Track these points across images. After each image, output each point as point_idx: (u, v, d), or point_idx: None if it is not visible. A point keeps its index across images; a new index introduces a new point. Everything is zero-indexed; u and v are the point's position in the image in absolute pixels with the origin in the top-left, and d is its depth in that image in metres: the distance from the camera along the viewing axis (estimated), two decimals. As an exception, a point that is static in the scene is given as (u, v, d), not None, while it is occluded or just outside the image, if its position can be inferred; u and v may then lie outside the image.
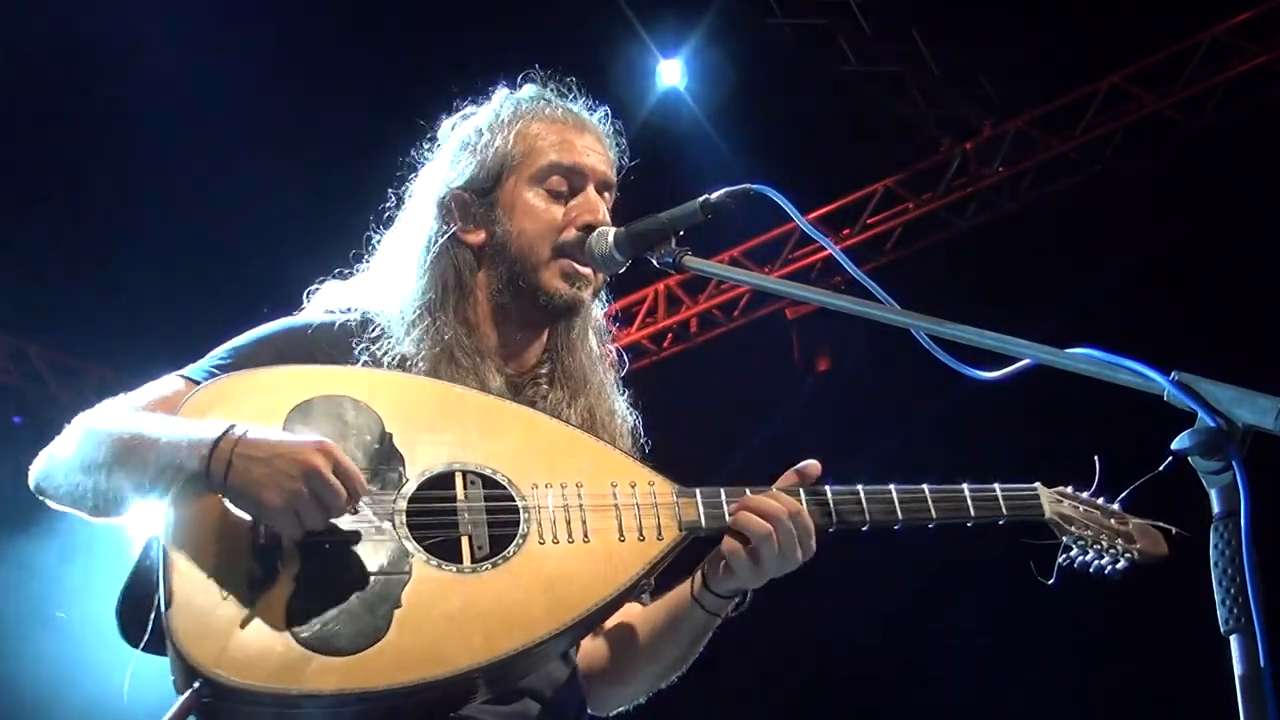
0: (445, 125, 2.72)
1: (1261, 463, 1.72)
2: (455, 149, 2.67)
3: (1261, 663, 1.62)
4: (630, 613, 2.55)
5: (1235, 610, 1.63)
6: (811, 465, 2.46)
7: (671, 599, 2.51)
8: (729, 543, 2.39)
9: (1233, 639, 1.64)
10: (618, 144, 2.72)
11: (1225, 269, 7.36)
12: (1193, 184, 7.58)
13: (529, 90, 2.70)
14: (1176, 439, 1.73)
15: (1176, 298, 7.41)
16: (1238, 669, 1.63)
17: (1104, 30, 7.42)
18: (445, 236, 2.60)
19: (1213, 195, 7.41)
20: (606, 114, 2.73)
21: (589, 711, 2.58)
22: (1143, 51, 7.58)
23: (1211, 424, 1.71)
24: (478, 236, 2.60)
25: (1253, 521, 1.65)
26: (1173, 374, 1.78)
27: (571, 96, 2.72)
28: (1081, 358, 1.91)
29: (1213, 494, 1.70)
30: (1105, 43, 7.53)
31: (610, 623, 2.52)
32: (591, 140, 2.65)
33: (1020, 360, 2.05)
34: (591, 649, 2.57)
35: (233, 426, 2.14)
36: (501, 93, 2.71)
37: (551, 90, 2.71)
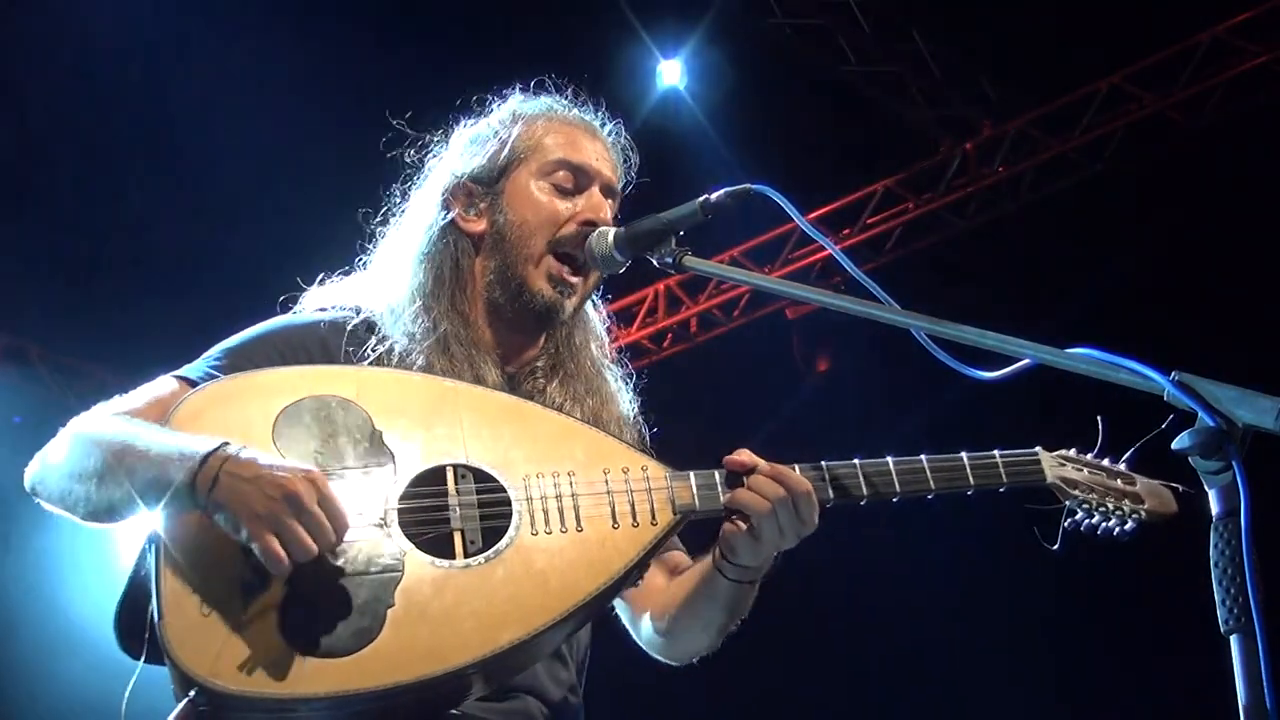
0: (458, 132, 2.74)
1: (1261, 463, 1.72)
2: (466, 143, 2.69)
3: (1261, 663, 1.62)
4: (681, 580, 2.55)
5: (1235, 610, 1.63)
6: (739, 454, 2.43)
7: (700, 570, 2.49)
8: (728, 524, 2.38)
9: (1233, 639, 1.64)
10: (627, 160, 2.74)
11: (1225, 269, 7.36)
12: (1193, 184, 7.59)
13: (545, 97, 2.73)
14: (1177, 439, 1.73)
15: (1176, 298, 7.41)
16: (1238, 669, 1.63)
17: (1104, 30, 7.43)
18: (445, 224, 2.61)
19: (1213, 195, 7.41)
20: (631, 145, 2.76)
21: (667, 662, 2.63)
22: (1143, 51, 7.58)
23: (1211, 424, 1.71)
24: (478, 225, 2.61)
25: (1253, 521, 1.65)
26: (1173, 374, 1.78)
27: (585, 107, 2.74)
28: (1081, 358, 1.91)
29: (1212, 494, 1.70)
30: (1105, 43, 7.53)
31: (672, 588, 2.54)
32: (601, 148, 2.68)
33: (1020, 360, 2.05)
34: (658, 613, 2.57)
35: (225, 444, 2.12)
36: (516, 95, 2.74)
37: (567, 100, 2.74)
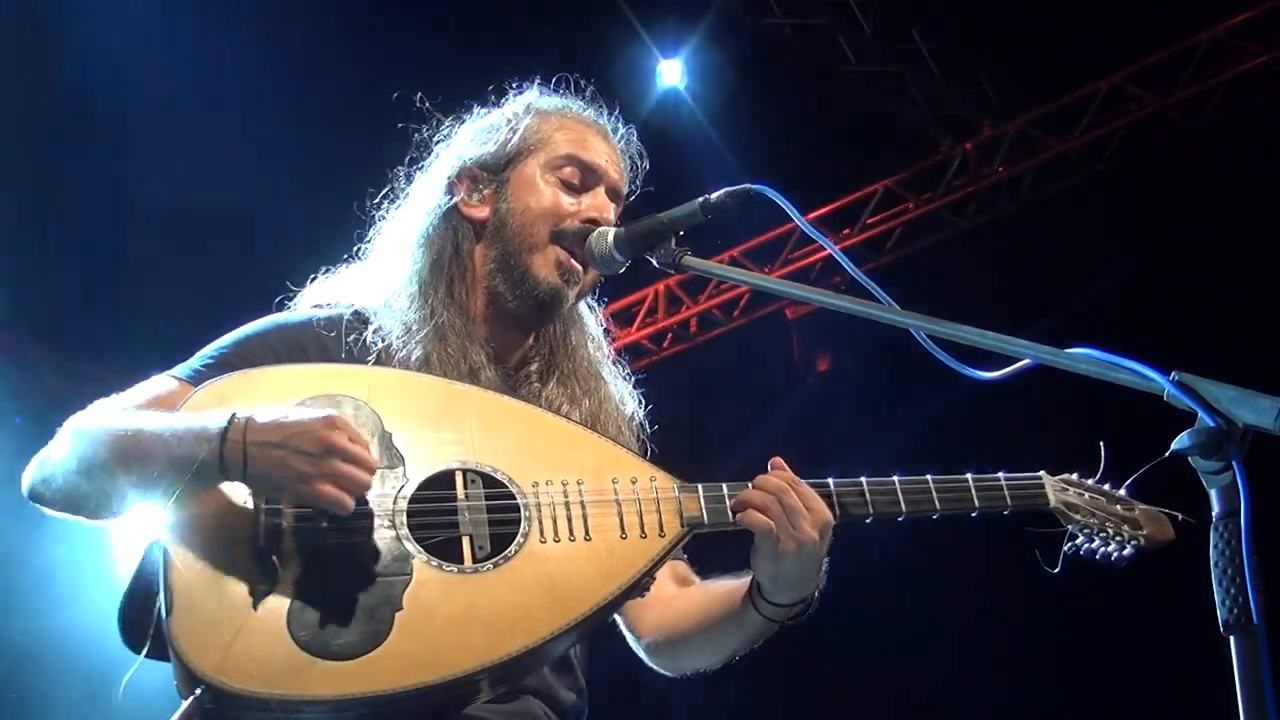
0: (467, 122, 2.75)
1: (1261, 463, 1.72)
2: (475, 132, 2.70)
3: (1262, 663, 1.62)
4: (698, 599, 2.57)
5: (1235, 610, 1.63)
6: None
7: (728, 599, 2.50)
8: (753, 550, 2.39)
9: (1233, 639, 1.64)
10: (635, 168, 2.76)
11: (1225, 269, 7.36)
12: (1193, 184, 7.59)
13: (560, 96, 2.75)
14: (1177, 439, 1.73)
15: (1176, 298, 7.41)
16: (1238, 669, 1.63)
17: (1104, 30, 7.43)
18: (448, 208, 2.61)
19: (1213, 195, 7.41)
20: (641, 152, 2.77)
21: (662, 673, 2.65)
22: (1143, 51, 7.58)
23: (1211, 424, 1.71)
24: (481, 212, 2.62)
25: (1253, 521, 1.65)
26: (1173, 374, 1.78)
27: (600, 110, 2.75)
28: (1081, 358, 1.91)
29: (1213, 494, 1.70)
30: (1105, 43, 7.53)
31: (681, 603, 2.56)
32: (611, 151, 2.69)
33: (1020, 360, 2.04)
34: (663, 625, 2.59)
35: (235, 414, 2.13)
36: (533, 90, 2.75)
37: (583, 102, 2.75)
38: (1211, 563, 1.66)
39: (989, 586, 7.40)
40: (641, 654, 2.66)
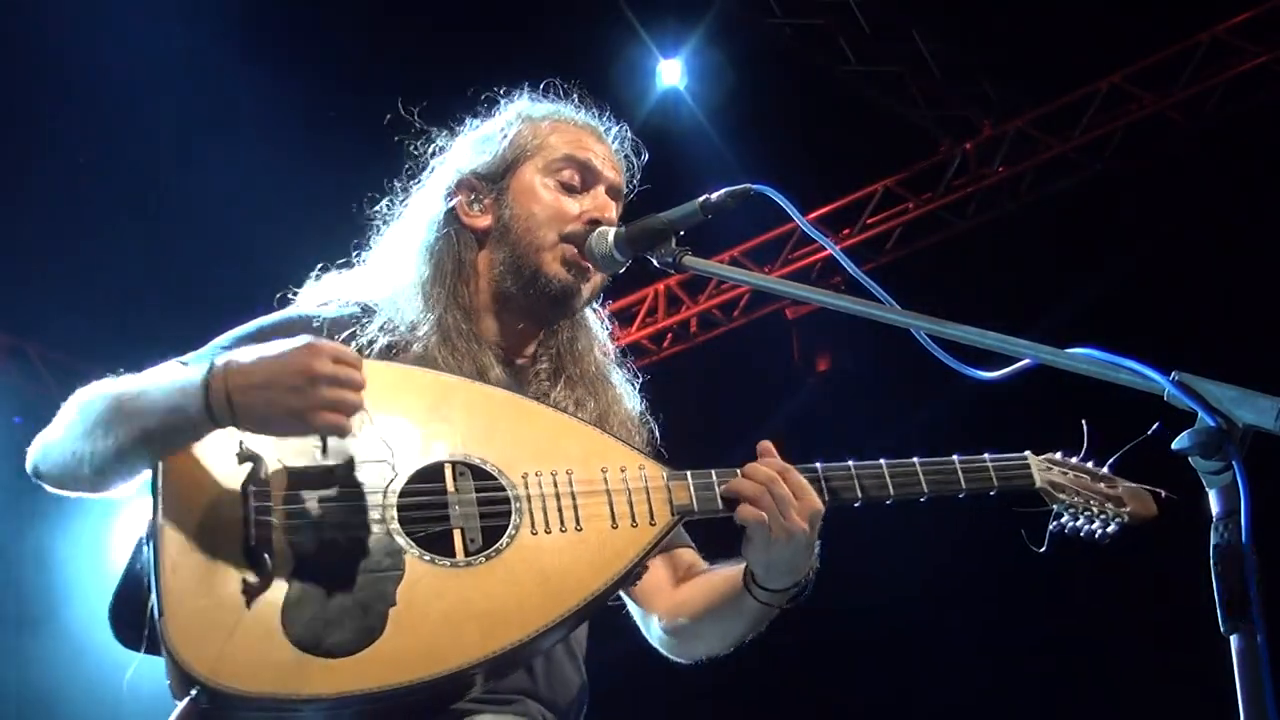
0: (462, 132, 2.75)
1: (1261, 463, 1.72)
2: (471, 142, 2.71)
3: (1262, 663, 1.62)
4: (702, 586, 2.59)
5: (1235, 610, 1.63)
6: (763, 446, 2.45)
7: (727, 585, 2.51)
8: (744, 540, 2.39)
9: (1233, 639, 1.64)
10: (631, 166, 2.76)
11: (1225, 269, 7.36)
12: (1193, 184, 7.59)
13: (551, 101, 2.75)
14: (1177, 439, 1.74)
15: (1176, 298, 7.41)
16: (1238, 669, 1.63)
17: (1104, 30, 7.43)
18: (449, 218, 2.62)
19: (1213, 195, 7.41)
20: (637, 149, 2.78)
21: (676, 660, 2.66)
22: (1143, 51, 7.58)
23: (1211, 424, 1.71)
24: (483, 221, 2.62)
25: (1253, 521, 1.65)
26: (1173, 374, 1.79)
27: (592, 112, 2.75)
28: (1081, 358, 1.91)
29: (1213, 494, 1.70)
30: (1105, 43, 7.54)
31: (687, 591, 2.58)
32: (607, 150, 2.70)
33: (1020, 360, 2.05)
34: (671, 614, 2.60)
35: (213, 362, 2.12)
36: (524, 98, 2.76)
37: (574, 103, 2.76)
38: (1211, 563, 1.66)
39: (985, 585, 7.40)
40: (653, 642, 2.67)
